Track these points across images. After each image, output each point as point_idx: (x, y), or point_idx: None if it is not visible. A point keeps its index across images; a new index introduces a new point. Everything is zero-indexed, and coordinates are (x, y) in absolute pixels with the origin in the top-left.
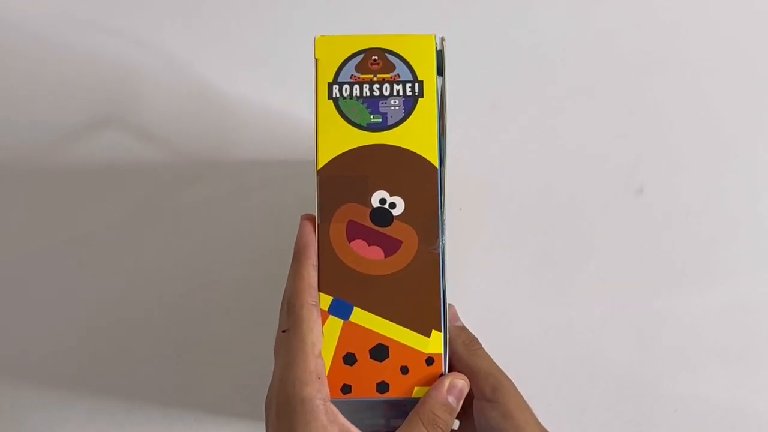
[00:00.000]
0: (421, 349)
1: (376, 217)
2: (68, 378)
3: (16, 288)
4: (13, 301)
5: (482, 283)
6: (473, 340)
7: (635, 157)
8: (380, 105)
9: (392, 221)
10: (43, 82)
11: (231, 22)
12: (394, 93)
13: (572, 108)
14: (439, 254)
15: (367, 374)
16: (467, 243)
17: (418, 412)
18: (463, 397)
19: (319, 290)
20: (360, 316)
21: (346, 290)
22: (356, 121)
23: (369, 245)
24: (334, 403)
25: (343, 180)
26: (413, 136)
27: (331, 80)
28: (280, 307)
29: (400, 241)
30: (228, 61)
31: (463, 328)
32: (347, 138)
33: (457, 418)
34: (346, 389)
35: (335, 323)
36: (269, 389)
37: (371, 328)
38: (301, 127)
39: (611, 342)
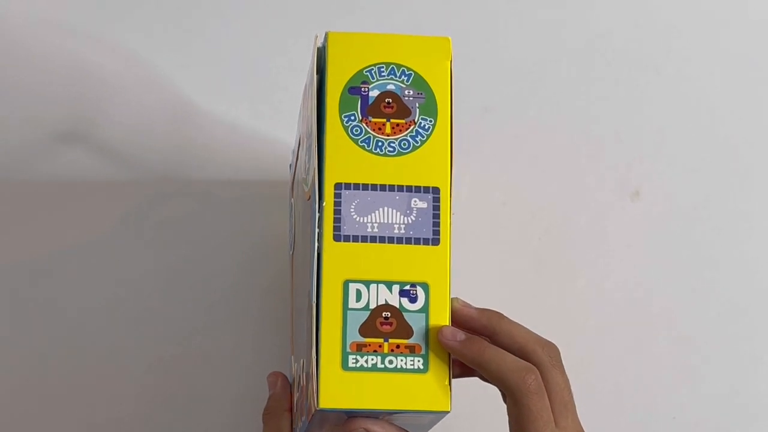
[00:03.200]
0: None
1: None
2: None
3: None
4: None
5: (475, 290)
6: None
7: (630, 160)
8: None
9: None
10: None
11: (205, 33)
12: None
13: (566, 110)
14: None
15: None
16: (459, 249)
17: None
18: None
19: None
20: None
21: None
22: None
23: None
24: None
25: None
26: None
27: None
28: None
29: None
30: (201, 73)
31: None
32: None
33: None
34: None
35: None
36: None
37: None
38: (274, 144)
39: (608, 349)
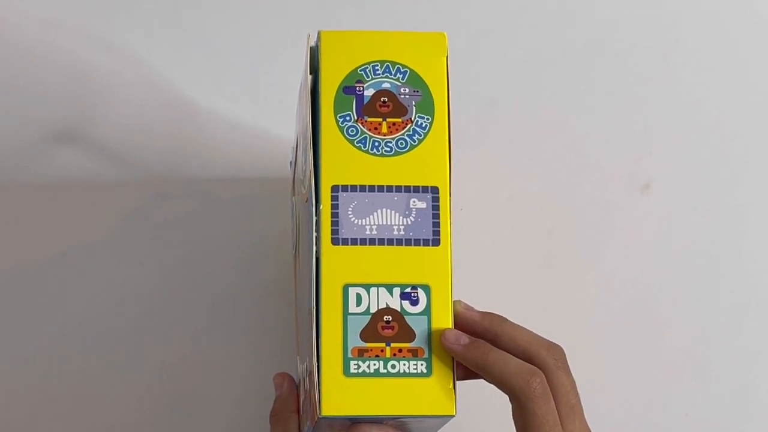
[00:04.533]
0: None
1: None
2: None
3: None
4: None
5: (482, 287)
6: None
7: (640, 153)
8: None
9: None
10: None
11: (205, 33)
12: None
13: (574, 102)
14: None
15: None
16: (466, 245)
17: None
18: None
19: None
20: None
21: None
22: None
23: None
24: None
25: None
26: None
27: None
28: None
29: None
30: (202, 72)
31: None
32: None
33: None
34: None
35: None
36: None
37: None
38: (276, 142)
39: (618, 346)
